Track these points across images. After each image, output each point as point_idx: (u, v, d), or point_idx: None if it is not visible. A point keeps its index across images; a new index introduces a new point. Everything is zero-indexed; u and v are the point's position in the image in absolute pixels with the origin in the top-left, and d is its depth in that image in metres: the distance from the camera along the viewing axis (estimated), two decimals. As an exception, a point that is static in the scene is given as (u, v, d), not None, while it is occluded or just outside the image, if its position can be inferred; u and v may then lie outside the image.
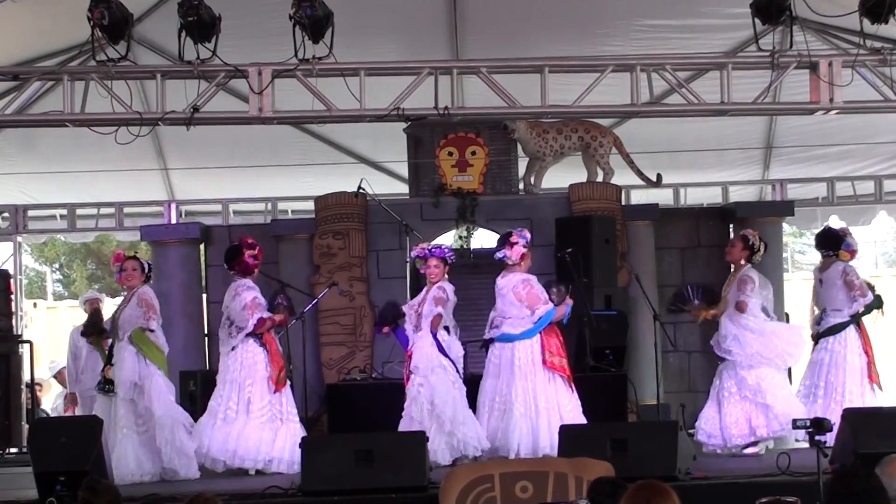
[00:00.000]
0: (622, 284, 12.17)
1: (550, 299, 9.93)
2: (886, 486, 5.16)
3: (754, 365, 10.04)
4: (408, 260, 11.38)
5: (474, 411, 9.90)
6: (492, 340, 10.00)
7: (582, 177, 12.83)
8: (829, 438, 7.79)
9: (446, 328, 9.94)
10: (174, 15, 9.58)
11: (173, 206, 15.17)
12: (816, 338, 10.70)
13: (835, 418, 8.56)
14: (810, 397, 10.48)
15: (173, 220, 14.74)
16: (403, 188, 14.16)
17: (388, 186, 14.71)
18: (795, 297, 13.69)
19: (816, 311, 10.82)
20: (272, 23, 11.26)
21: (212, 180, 15.13)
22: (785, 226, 14.09)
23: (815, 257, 11.20)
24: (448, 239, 12.51)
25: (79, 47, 12.37)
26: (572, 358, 10.67)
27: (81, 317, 13.64)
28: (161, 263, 12.54)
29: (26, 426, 12.72)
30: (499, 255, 10.08)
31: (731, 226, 12.92)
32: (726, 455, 10.05)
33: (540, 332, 9.85)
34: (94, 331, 10.21)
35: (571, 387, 9.88)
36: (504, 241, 10.08)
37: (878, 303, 10.66)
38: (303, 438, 9.17)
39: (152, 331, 9.68)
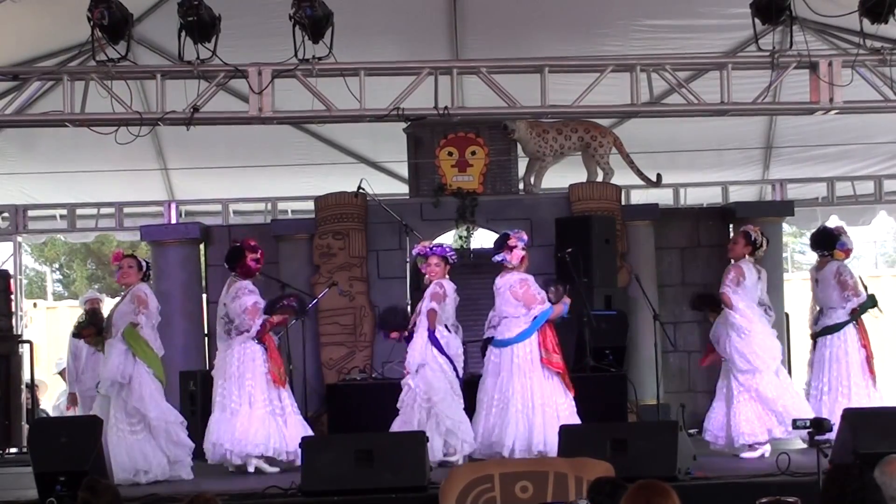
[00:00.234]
0: (622, 284, 12.17)
1: (548, 298, 9.95)
2: (887, 487, 5.17)
3: (746, 370, 9.95)
4: (408, 260, 11.39)
5: (472, 411, 9.92)
6: (491, 339, 10.04)
7: (582, 177, 12.83)
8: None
9: (446, 326, 9.95)
10: (174, 15, 9.58)
11: (173, 206, 15.17)
12: (815, 336, 10.71)
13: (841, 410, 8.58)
14: (817, 396, 10.46)
15: (173, 220, 14.74)
16: (403, 188, 14.16)
17: (388, 186, 14.71)
18: (795, 297, 13.68)
19: (817, 310, 10.83)
20: (272, 23, 11.26)
21: (212, 180, 15.13)
22: (785, 226, 14.10)
23: (815, 257, 11.19)
24: (448, 239, 12.50)
25: (79, 47, 12.36)
26: (572, 358, 10.70)
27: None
28: (161, 263, 12.55)
29: (26, 426, 12.72)
30: (498, 258, 10.12)
31: (730, 226, 12.92)
32: (729, 455, 10.00)
33: (536, 330, 9.90)
34: (89, 331, 10.15)
35: (567, 385, 9.91)
36: (502, 244, 10.10)
37: (871, 302, 10.67)
38: (303, 438, 9.18)
39: (137, 324, 9.63)
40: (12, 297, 13.52)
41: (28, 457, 9.06)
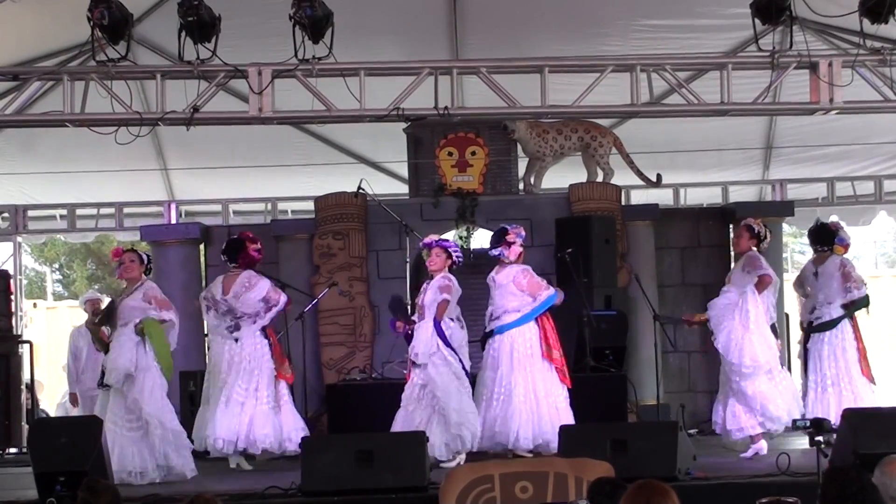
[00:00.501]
0: (622, 284, 12.17)
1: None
2: (886, 487, 5.17)
3: (747, 375, 9.85)
4: (408, 260, 11.39)
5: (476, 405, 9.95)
6: (491, 333, 10.06)
7: (582, 177, 12.83)
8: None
9: (450, 318, 9.95)
10: (174, 15, 9.58)
11: (173, 206, 15.18)
12: (808, 330, 10.68)
13: (847, 405, 8.53)
14: (818, 391, 10.44)
15: (173, 220, 14.75)
16: (403, 188, 14.16)
17: (388, 186, 14.72)
18: (795, 298, 13.66)
19: (805, 300, 10.80)
20: (272, 23, 11.25)
21: (212, 180, 15.13)
22: (785, 226, 14.09)
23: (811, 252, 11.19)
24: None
25: (79, 47, 12.36)
26: (572, 358, 10.70)
27: (81, 317, 13.67)
28: (161, 263, 12.54)
29: (26, 426, 12.72)
30: (495, 252, 10.14)
31: (731, 226, 12.92)
32: (734, 448, 9.96)
33: (537, 321, 9.94)
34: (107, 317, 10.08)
35: (563, 378, 9.95)
36: (500, 239, 10.12)
37: (866, 301, 10.69)
38: (303, 438, 9.17)
39: (165, 321, 9.67)
40: (12, 297, 13.52)
41: (28, 457, 9.05)
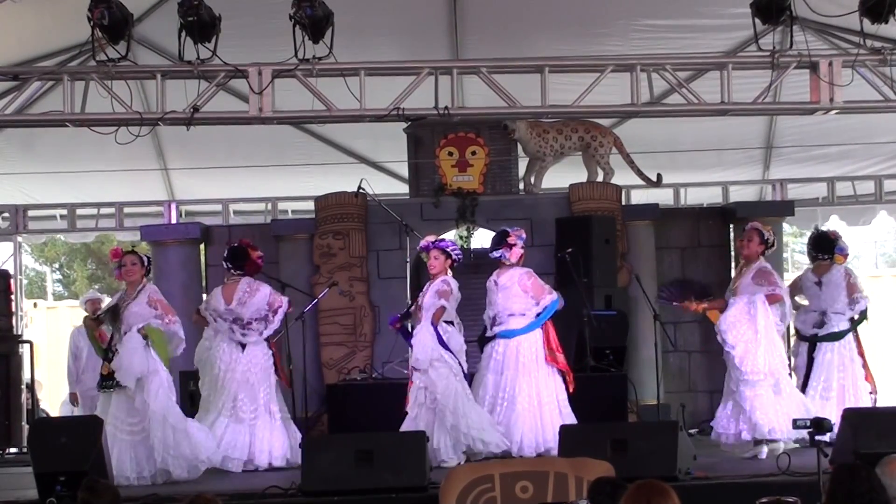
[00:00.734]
0: (622, 284, 12.17)
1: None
2: (887, 487, 5.17)
3: (750, 383, 9.73)
4: (408, 260, 11.39)
5: None
6: (493, 337, 10.05)
7: (582, 177, 12.83)
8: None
9: (449, 322, 9.95)
10: (174, 15, 9.59)
11: (173, 206, 15.18)
12: (814, 339, 10.64)
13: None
14: (824, 398, 10.40)
15: (173, 220, 14.75)
16: (403, 188, 14.16)
17: (388, 186, 14.72)
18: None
19: (802, 306, 10.76)
20: (272, 23, 11.25)
21: (212, 180, 15.14)
22: (785, 226, 14.09)
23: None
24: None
25: (79, 47, 12.37)
26: (572, 358, 10.69)
27: (82, 317, 13.64)
28: (161, 263, 12.54)
29: (26, 426, 12.72)
30: (496, 254, 10.15)
31: (731, 226, 12.92)
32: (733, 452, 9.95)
33: (542, 326, 9.97)
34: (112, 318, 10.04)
35: (567, 383, 9.96)
36: (501, 241, 10.13)
37: (867, 311, 10.69)
38: (303, 438, 9.16)
39: (174, 335, 9.69)
40: (12, 297, 13.51)
41: (28, 457, 9.05)
